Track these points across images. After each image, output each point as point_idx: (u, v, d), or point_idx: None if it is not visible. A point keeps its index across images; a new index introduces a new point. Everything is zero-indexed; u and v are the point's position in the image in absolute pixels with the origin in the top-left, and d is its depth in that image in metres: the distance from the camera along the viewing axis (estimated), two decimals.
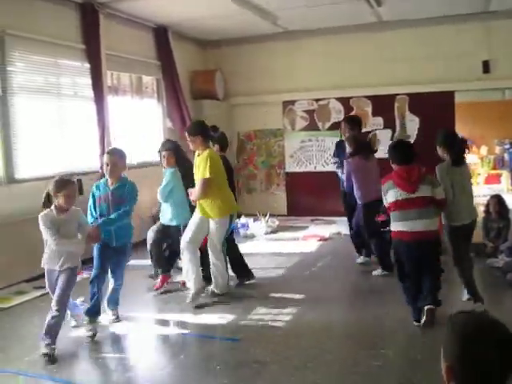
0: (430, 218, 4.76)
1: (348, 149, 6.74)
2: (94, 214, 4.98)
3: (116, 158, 5.06)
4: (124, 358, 4.45)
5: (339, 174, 7.20)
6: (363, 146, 6.71)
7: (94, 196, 5.03)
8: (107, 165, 5.02)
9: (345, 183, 6.94)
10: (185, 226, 5.88)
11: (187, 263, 5.68)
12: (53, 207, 4.42)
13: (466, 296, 5.27)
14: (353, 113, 10.45)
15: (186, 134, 5.67)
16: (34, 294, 6.01)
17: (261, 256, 7.56)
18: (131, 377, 4.09)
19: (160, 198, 6.13)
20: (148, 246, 6.38)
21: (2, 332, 5.06)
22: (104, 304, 5.13)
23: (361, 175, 6.44)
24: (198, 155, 5.61)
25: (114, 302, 5.26)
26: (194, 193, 5.59)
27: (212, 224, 5.63)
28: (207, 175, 5.43)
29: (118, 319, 5.21)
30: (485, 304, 5.01)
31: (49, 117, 7.32)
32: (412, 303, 4.91)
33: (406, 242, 4.76)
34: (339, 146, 7.33)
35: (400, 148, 5.15)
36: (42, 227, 4.41)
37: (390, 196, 4.86)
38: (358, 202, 6.55)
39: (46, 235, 4.42)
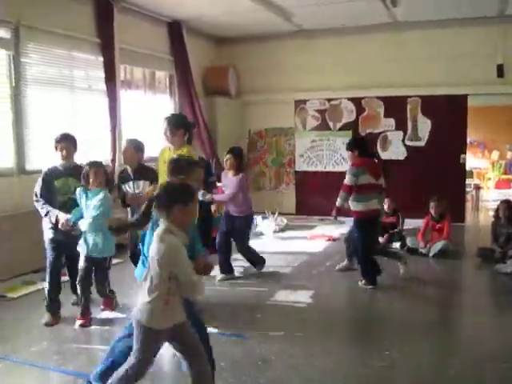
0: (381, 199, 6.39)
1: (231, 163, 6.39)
2: None
3: None
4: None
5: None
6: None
7: None
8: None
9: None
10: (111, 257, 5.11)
11: None
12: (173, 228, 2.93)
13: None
14: (364, 114, 10.44)
15: (166, 125, 5.05)
16: (42, 284, 6.03)
17: (269, 254, 7.54)
18: None
19: (93, 228, 4.78)
20: None
21: (9, 322, 5.09)
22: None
23: (246, 190, 6.54)
24: (174, 151, 4.99)
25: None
26: None
27: None
28: None
29: None
30: (493, 310, 5.00)
31: (61, 109, 7.35)
32: (373, 271, 6.14)
33: (373, 217, 6.08)
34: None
35: (368, 143, 6.56)
36: (177, 263, 2.86)
37: (362, 179, 5.96)
38: (240, 214, 6.41)
39: (184, 274, 2.85)
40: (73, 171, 5.05)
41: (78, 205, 4.88)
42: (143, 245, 3.46)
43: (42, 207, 4.97)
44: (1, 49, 6.46)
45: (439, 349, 4.42)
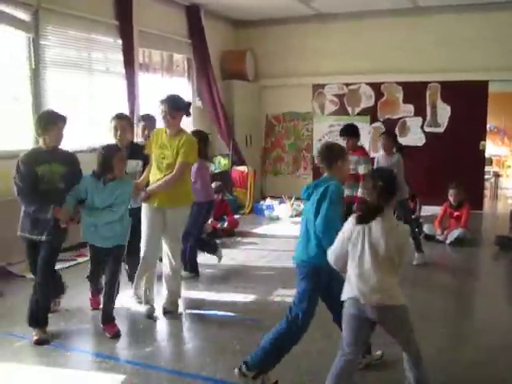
0: None
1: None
2: None
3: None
4: (145, 334, 4.50)
5: None
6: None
7: None
8: None
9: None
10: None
11: (148, 278, 4.87)
12: None
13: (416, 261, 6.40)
14: (383, 99, 10.35)
15: (166, 108, 4.58)
16: (60, 265, 6.08)
17: (285, 239, 7.56)
18: (151, 352, 4.13)
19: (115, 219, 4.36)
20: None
21: (27, 302, 5.15)
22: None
23: (206, 175, 6.09)
24: (172, 136, 4.66)
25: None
26: (170, 178, 4.60)
27: (173, 214, 4.72)
28: (191, 160, 4.70)
29: None
30: (509, 298, 4.95)
31: (80, 91, 7.38)
32: None
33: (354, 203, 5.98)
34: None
35: None
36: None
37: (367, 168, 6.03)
38: (199, 199, 5.51)
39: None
40: (57, 156, 4.29)
41: (60, 194, 4.24)
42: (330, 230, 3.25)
43: (30, 202, 4.19)
44: (21, 31, 6.48)
45: (452, 336, 4.41)
